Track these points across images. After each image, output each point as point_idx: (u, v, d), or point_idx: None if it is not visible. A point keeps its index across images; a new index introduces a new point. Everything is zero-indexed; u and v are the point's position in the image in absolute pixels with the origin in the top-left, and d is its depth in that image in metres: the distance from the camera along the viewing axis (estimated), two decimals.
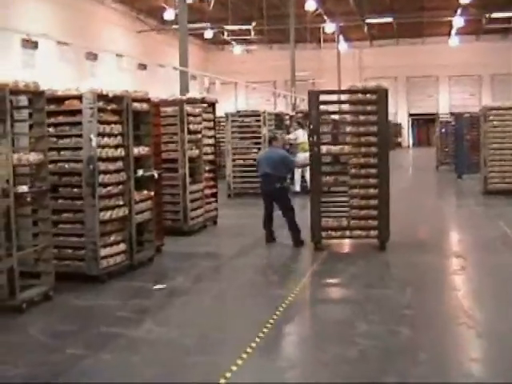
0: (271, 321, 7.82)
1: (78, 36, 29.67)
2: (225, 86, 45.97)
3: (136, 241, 11.19)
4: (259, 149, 20.26)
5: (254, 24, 44.17)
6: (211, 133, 15.26)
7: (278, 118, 22.51)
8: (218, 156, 17.88)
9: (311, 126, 11.99)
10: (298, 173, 20.74)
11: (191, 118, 13.95)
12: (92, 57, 28.18)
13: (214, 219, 15.44)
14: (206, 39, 50.56)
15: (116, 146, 10.38)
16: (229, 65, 53.67)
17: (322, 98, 12.30)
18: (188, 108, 13.84)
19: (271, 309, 8.27)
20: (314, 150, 12.06)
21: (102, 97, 10.12)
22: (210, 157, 15.27)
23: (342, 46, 50.89)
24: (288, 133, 21.76)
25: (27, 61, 28.19)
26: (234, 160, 20.95)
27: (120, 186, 10.48)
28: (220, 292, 9.58)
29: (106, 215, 10.16)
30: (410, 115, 58.59)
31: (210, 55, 58.30)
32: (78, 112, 9.99)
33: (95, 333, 7.67)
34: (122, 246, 10.55)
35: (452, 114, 32.06)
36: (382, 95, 11.86)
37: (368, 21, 46.98)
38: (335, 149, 12.63)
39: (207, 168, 15.06)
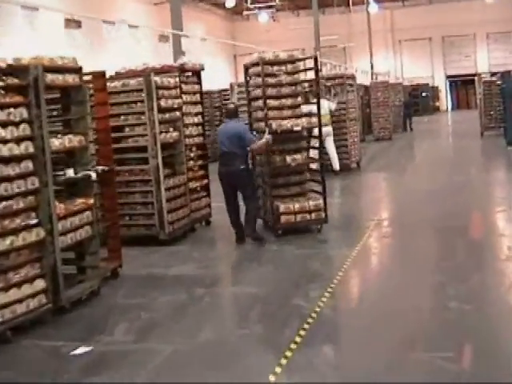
0: None
1: (89, 10, 25.99)
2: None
3: (77, 268, 7.89)
4: None
5: None
6: (197, 109, 11.52)
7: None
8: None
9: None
10: (330, 146, 16.78)
11: (163, 92, 10.24)
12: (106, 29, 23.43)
13: (207, 218, 11.76)
14: (229, 9, 46.73)
15: (18, 140, 6.75)
16: (255, 35, 49.61)
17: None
18: (157, 79, 10.13)
19: None
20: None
21: None
22: (197, 139, 11.56)
23: (372, 7, 46.31)
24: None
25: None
26: None
27: (29, 198, 6.87)
28: (171, 364, 5.88)
29: (5, 243, 6.57)
30: (448, 77, 53.82)
31: (235, 26, 54.31)
32: None
33: None
34: (39, 284, 6.95)
35: (495, 73, 27.72)
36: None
37: None
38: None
39: (192, 155, 11.36)
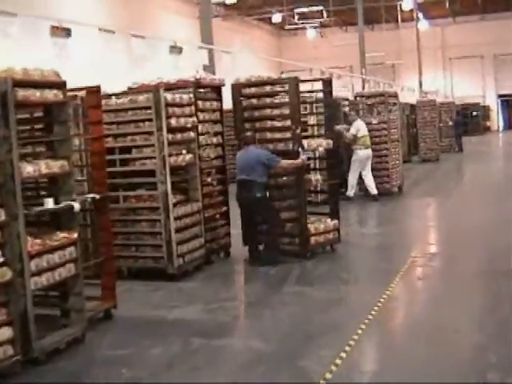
0: None
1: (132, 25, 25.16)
2: (298, 74, 41.34)
3: (61, 310, 6.89)
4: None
5: (324, 6, 38.94)
6: (216, 128, 10.40)
7: (332, 104, 17.20)
8: None
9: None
10: (353, 174, 15.76)
11: (174, 110, 9.14)
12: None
13: (226, 249, 10.60)
14: (276, 24, 45.73)
15: None
16: (302, 50, 48.50)
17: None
18: (167, 95, 9.05)
19: None
20: None
21: None
22: (216, 162, 10.45)
23: (422, 24, 44.79)
24: (349, 124, 16.48)
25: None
26: None
27: None
28: None
29: None
30: (499, 96, 51.87)
31: (282, 42, 53.29)
32: None
33: None
34: (5, 333, 5.88)
35: None
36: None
37: None
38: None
39: (209, 179, 10.25)
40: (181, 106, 9.27)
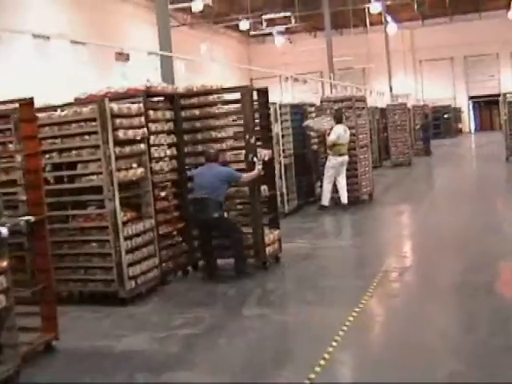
0: None
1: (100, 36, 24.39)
2: (268, 81, 41.45)
3: None
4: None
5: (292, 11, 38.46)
6: (170, 139, 9.75)
7: (299, 109, 16.63)
8: None
9: None
10: (326, 182, 15.15)
11: (122, 121, 8.48)
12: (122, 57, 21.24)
13: (183, 267, 9.94)
14: (244, 32, 45.12)
15: None
16: (272, 57, 48.01)
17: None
18: (114, 105, 8.39)
19: None
20: None
21: None
22: (170, 176, 9.79)
23: (391, 27, 44.43)
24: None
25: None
26: None
27: None
28: None
29: None
30: (470, 98, 51.67)
31: (251, 49, 52.78)
32: None
33: None
34: None
35: None
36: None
37: None
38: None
39: (164, 193, 9.59)
40: (129, 116, 8.61)
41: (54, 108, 8.76)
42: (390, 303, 8.04)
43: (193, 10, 33.99)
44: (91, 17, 28.61)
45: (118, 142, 8.40)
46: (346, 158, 15.13)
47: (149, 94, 9.28)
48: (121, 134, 8.37)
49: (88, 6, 28.69)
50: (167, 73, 14.86)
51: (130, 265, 8.49)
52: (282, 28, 43.49)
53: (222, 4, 40.05)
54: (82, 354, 6.83)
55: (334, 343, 6.31)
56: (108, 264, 8.49)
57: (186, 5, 31.30)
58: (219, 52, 44.54)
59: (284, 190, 14.77)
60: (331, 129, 15.06)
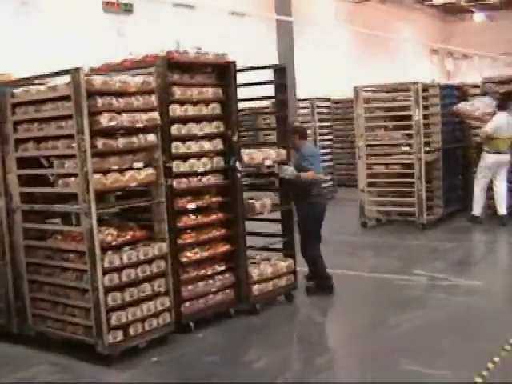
0: None
1: None
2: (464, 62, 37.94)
3: None
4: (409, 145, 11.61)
5: None
6: (213, 128, 6.89)
7: (454, 91, 12.95)
8: None
9: None
10: (478, 186, 11.64)
11: (110, 101, 5.78)
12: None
13: (227, 308, 7.09)
14: (439, 7, 40.75)
15: None
16: (468, 36, 43.21)
17: None
18: (97, 78, 5.72)
19: None
20: None
21: None
22: (213, 177, 6.95)
23: None
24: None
25: None
26: (368, 166, 12.13)
27: None
28: None
29: None
30: None
31: (447, 26, 48.08)
32: None
33: None
34: None
35: None
36: None
37: None
38: None
39: (190, 205, 6.78)
40: (124, 94, 5.88)
41: (27, 80, 6.26)
42: None
43: None
44: None
45: (102, 131, 5.72)
46: (507, 157, 11.45)
47: (171, 63, 6.43)
48: (103, 119, 5.66)
49: None
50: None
51: (115, 309, 5.81)
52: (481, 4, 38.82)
53: None
54: None
55: None
56: (85, 304, 5.89)
57: None
58: (411, 29, 40.63)
59: (423, 195, 11.41)
60: (493, 114, 11.49)
